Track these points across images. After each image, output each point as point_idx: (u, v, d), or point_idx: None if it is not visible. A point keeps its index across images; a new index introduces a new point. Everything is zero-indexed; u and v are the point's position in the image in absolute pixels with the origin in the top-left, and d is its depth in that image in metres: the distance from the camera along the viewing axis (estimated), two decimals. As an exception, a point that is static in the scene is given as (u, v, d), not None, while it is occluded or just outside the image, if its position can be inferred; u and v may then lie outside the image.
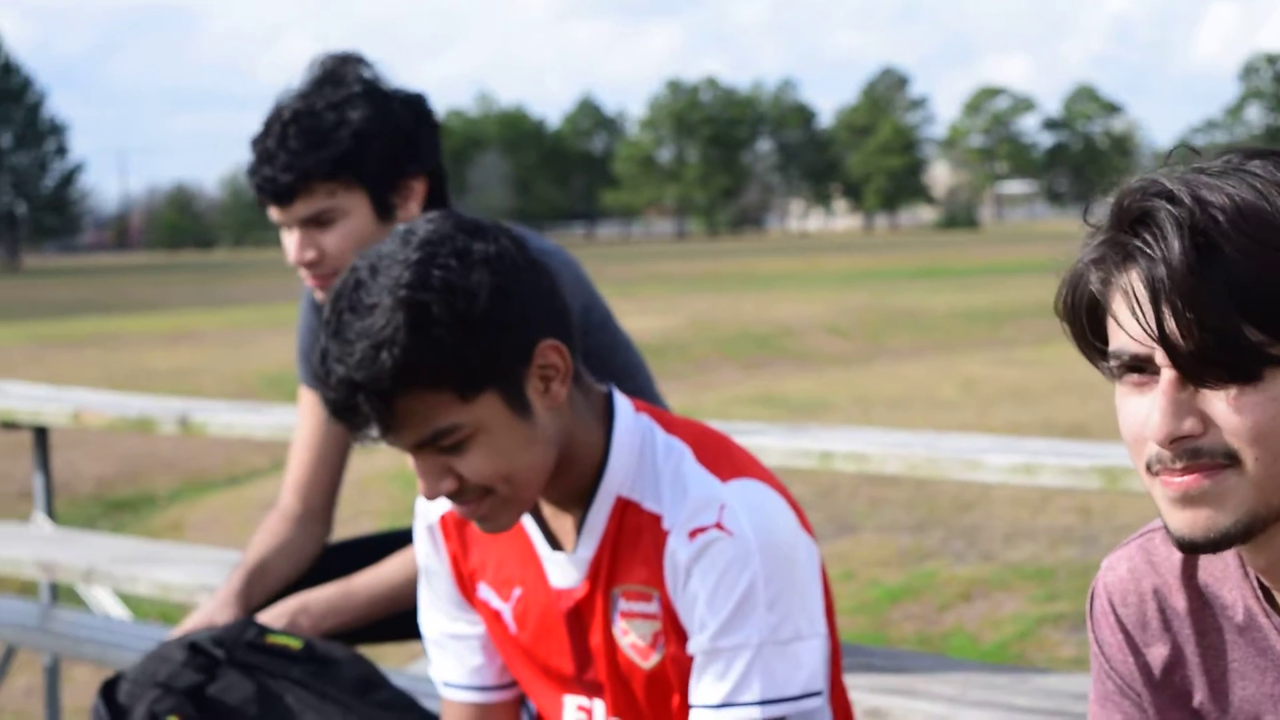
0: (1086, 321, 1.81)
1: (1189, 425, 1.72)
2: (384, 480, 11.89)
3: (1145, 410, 1.74)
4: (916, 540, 9.21)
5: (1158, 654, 1.96)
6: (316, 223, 3.33)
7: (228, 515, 12.48)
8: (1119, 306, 1.75)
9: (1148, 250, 1.71)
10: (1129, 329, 1.73)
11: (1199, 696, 1.95)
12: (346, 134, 3.28)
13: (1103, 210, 1.80)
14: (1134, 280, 1.72)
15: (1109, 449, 4.04)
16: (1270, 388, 1.70)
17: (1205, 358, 1.69)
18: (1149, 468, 1.76)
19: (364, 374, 2.26)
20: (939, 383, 17.55)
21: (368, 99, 3.33)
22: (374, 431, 2.33)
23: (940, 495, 10.13)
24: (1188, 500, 1.74)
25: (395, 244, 2.33)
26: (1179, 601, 1.94)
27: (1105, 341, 1.80)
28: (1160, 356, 1.71)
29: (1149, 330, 1.70)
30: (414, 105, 3.39)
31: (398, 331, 2.25)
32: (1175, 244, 1.69)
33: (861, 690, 3.58)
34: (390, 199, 3.36)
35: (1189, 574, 1.94)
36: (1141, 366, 1.75)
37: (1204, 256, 1.68)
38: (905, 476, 4.98)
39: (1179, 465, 1.73)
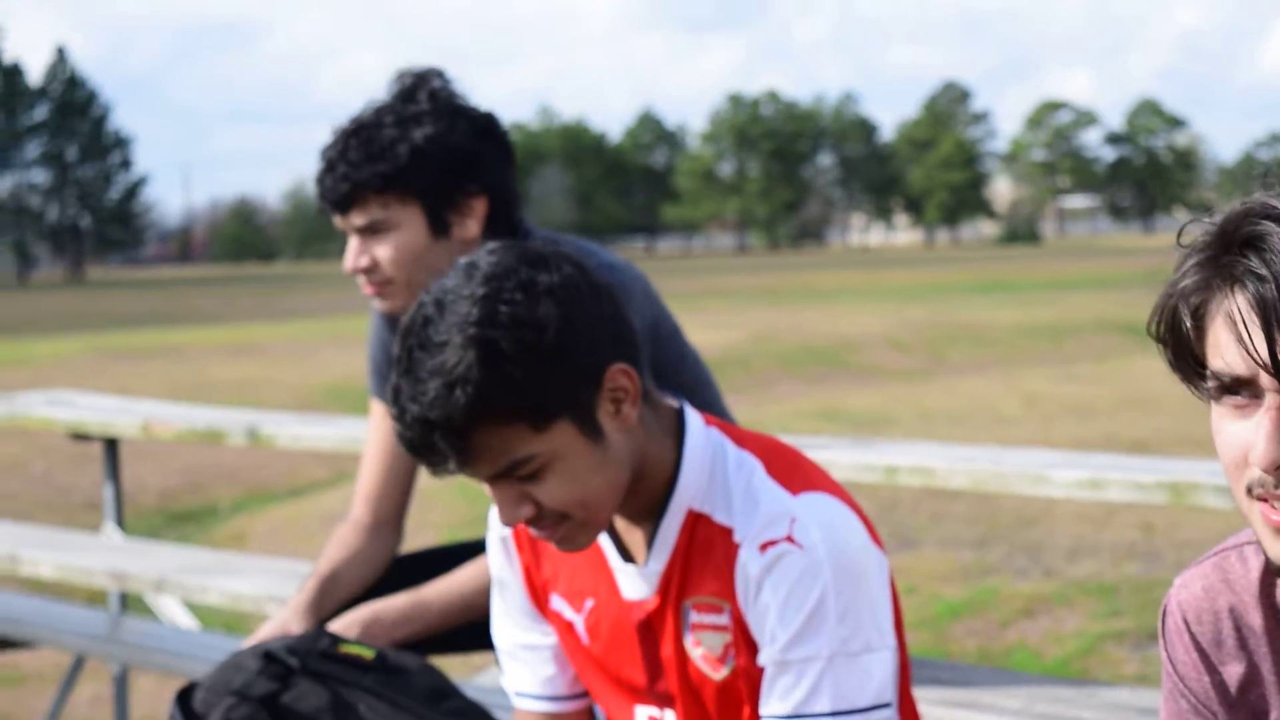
0: (1184, 342, 1.79)
1: None
2: (447, 493, 11.94)
3: (1247, 434, 1.72)
4: (978, 555, 9.20)
5: (1233, 672, 1.96)
6: (371, 232, 3.39)
7: (289, 527, 12.55)
8: (1222, 328, 1.73)
9: (1258, 272, 1.69)
10: (1233, 351, 1.72)
11: (1276, 715, 1.95)
12: (405, 149, 3.34)
13: (1199, 230, 1.79)
14: (1241, 303, 1.70)
15: (1175, 464, 4.05)
16: None
17: None
18: (1249, 490, 1.74)
19: (438, 412, 2.28)
20: (1001, 398, 17.50)
21: (434, 116, 3.37)
22: (451, 465, 2.35)
23: (1002, 510, 10.10)
24: None
25: (459, 279, 2.36)
26: (1255, 620, 1.94)
27: (1201, 362, 1.78)
28: (1267, 380, 1.70)
29: (1257, 354, 1.68)
30: (481, 124, 3.43)
31: (470, 369, 2.27)
32: None
33: (928, 704, 3.59)
34: (446, 216, 3.40)
35: (1266, 592, 1.93)
36: (1243, 389, 1.73)
37: None
38: (970, 491, 4.98)
39: None
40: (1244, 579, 1.94)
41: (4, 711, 7.73)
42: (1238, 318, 1.71)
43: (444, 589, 3.49)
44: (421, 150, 3.35)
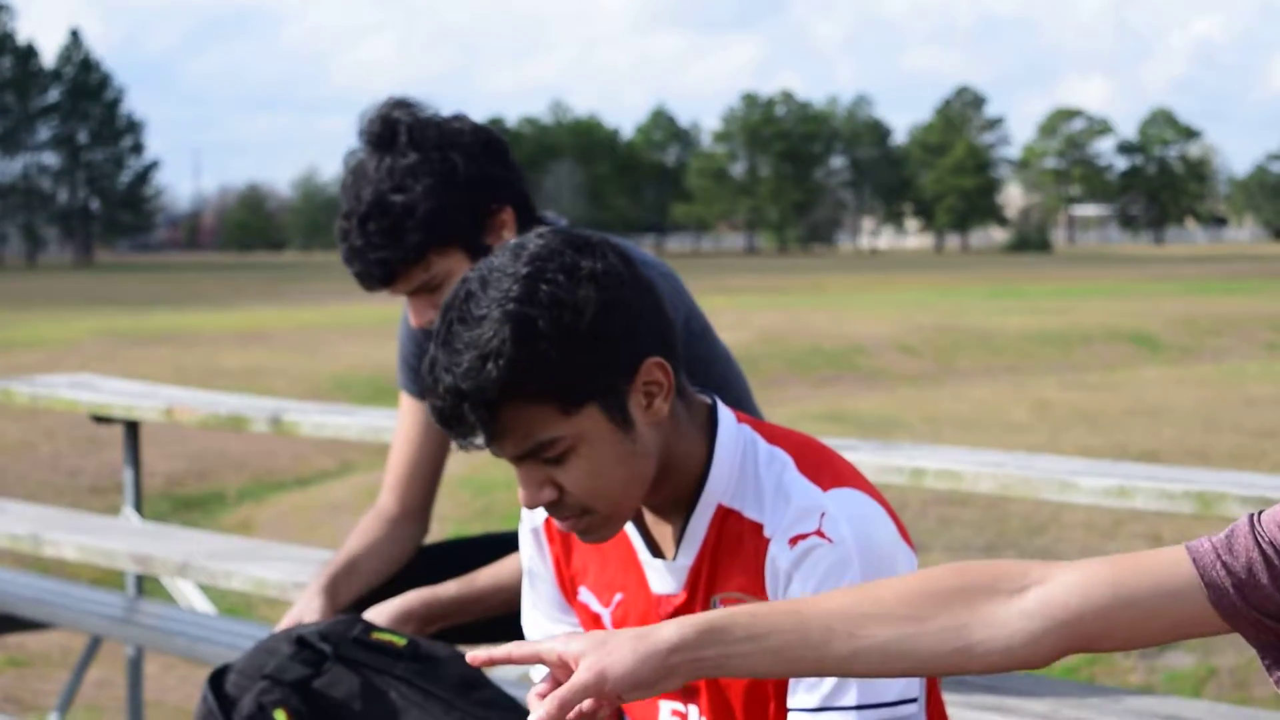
0: None
1: None
2: (453, 486, 11.96)
3: None
4: (987, 561, 9.19)
5: None
6: (422, 290, 3.41)
7: (295, 516, 12.60)
8: None
9: None
10: None
11: None
12: (421, 214, 3.33)
13: None
14: None
15: (1202, 474, 4.07)
16: None
17: None
18: None
19: (470, 384, 2.31)
20: (1010, 405, 17.50)
21: (425, 165, 3.35)
22: (478, 440, 2.37)
23: (1010, 517, 10.11)
24: None
25: (506, 258, 2.39)
26: None
27: None
28: None
29: None
30: (472, 147, 3.42)
31: (504, 344, 2.30)
32: None
33: (954, 706, 3.60)
34: (482, 241, 3.41)
35: None
36: None
37: None
38: (993, 496, 4.99)
39: None
40: None
41: (11, 692, 7.76)
42: None
43: (493, 576, 3.51)
44: (434, 208, 3.35)
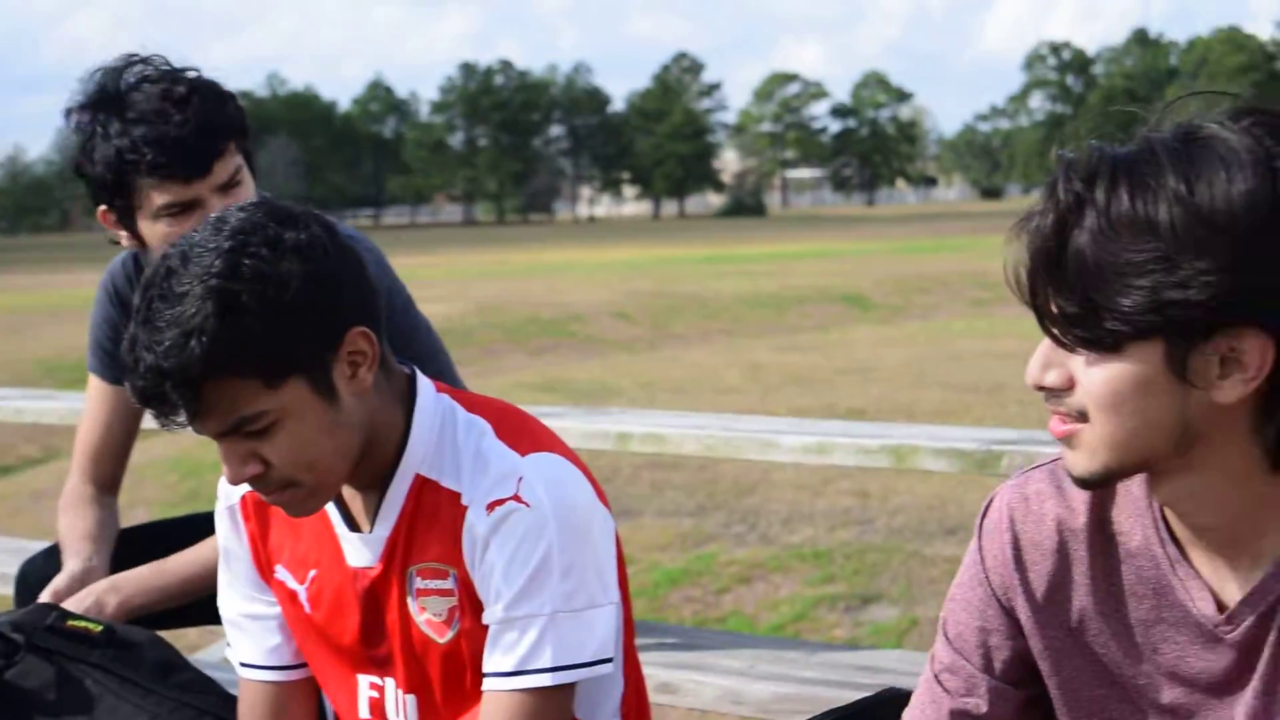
0: None
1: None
2: (161, 469, 11.79)
3: None
4: (697, 524, 9.30)
5: (1043, 571, 2.09)
6: (228, 188, 3.35)
7: (-2, 504, 12.28)
8: None
9: None
10: None
11: (1079, 609, 2.08)
12: (233, 102, 3.38)
13: None
14: None
15: (897, 429, 4.19)
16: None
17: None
18: None
19: (172, 362, 2.28)
20: (724, 368, 17.69)
21: (200, 79, 3.37)
22: (181, 418, 2.35)
23: (722, 479, 10.22)
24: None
25: (208, 232, 2.36)
26: (1078, 524, 2.06)
27: None
28: None
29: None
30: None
31: (207, 320, 2.28)
32: None
33: (654, 665, 3.64)
34: (252, 167, 3.46)
35: (1094, 501, 2.06)
36: None
37: None
38: (696, 458, 5.06)
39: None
40: (1073, 486, 2.03)
41: None
42: None
43: (188, 559, 3.47)
44: (235, 103, 3.40)
